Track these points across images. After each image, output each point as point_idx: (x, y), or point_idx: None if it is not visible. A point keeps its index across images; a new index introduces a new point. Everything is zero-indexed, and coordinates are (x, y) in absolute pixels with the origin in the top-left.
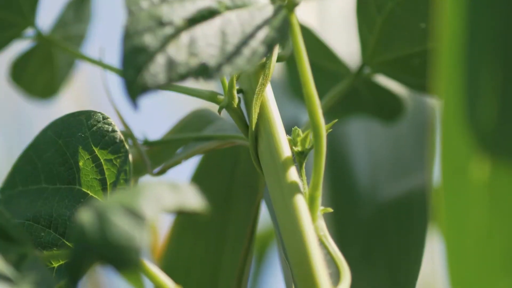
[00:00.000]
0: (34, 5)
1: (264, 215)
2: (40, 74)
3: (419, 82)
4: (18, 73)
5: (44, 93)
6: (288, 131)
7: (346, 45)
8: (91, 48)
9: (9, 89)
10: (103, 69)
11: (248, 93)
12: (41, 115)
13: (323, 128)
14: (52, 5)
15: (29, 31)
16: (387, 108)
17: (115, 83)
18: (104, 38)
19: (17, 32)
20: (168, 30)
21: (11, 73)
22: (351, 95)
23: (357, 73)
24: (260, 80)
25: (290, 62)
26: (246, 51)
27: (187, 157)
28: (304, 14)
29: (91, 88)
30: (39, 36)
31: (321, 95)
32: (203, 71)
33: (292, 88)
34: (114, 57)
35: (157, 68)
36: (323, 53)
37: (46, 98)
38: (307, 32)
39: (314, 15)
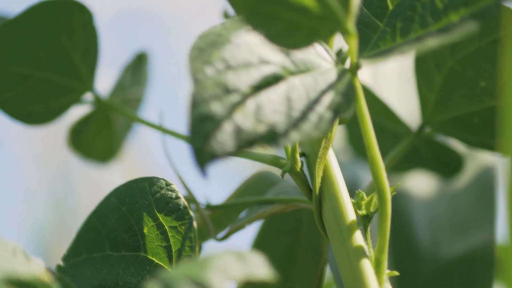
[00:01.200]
0: (93, 70)
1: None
2: (98, 138)
3: (478, 139)
4: (76, 138)
5: (102, 156)
6: (350, 190)
7: (402, 102)
8: (146, 110)
9: (55, 147)
10: (162, 133)
11: (310, 156)
12: (85, 172)
13: (388, 192)
14: (109, 66)
15: (88, 96)
16: (447, 165)
17: (174, 146)
18: (161, 100)
19: (75, 97)
20: (234, 98)
21: (69, 138)
22: (411, 153)
23: (417, 133)
24: (323, 143)
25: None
26: (313, 117)
27: (250, 221)
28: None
29: (142, 149)
30: (97, 101)
31: (381, 154)
32: (271, 138)
33: (351, 145)
34: (171, 120)
35: (224, 136)
36: (383, 112)
37: (104, 162)
38: (366, 92)
39: (369, 72)
